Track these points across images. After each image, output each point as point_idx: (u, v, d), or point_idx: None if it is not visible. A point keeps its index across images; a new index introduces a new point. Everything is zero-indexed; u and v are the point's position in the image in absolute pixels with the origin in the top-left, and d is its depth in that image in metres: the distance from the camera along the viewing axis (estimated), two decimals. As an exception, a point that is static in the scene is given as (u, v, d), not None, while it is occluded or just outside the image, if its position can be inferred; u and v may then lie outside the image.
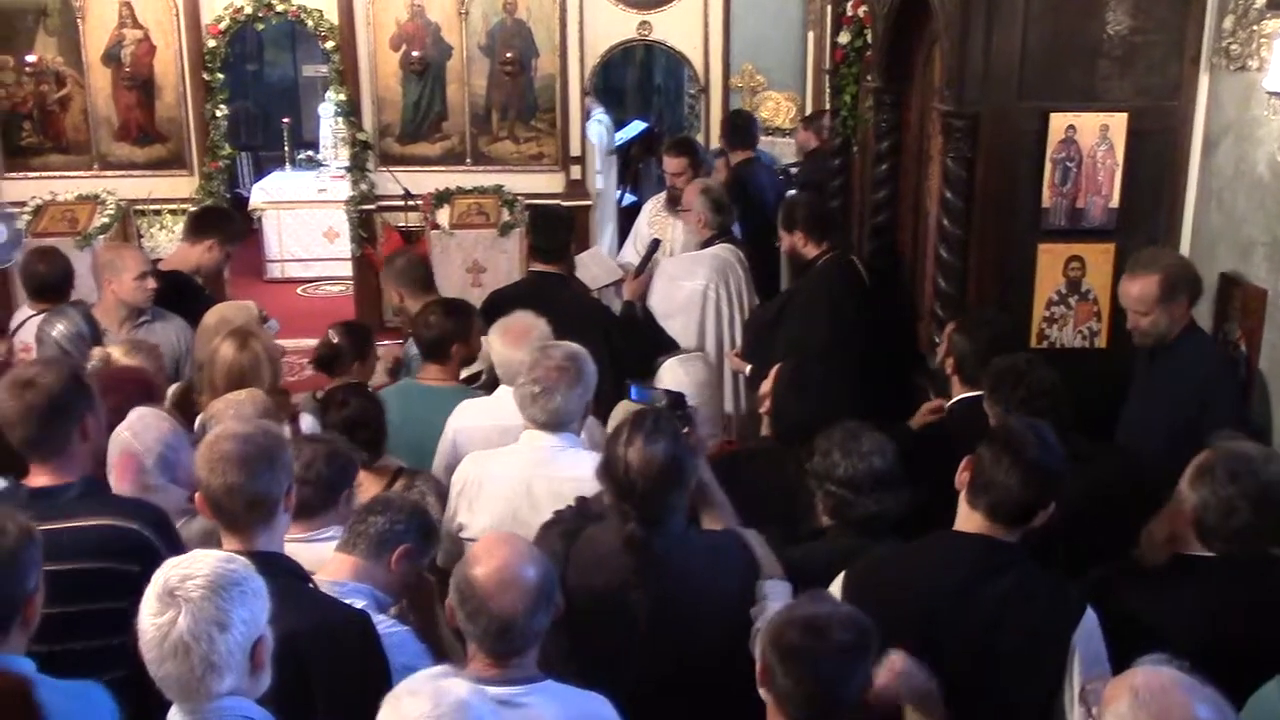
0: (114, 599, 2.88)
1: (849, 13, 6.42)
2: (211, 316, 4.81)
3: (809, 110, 10.18)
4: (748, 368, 5.73)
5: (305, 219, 11.42)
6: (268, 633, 2.37)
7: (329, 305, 10.31)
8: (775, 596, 3.06)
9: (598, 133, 10.39)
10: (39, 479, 3.15)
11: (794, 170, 9.23)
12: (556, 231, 5.70)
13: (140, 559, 2.94)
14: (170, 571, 2.32)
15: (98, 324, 4.85)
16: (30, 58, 8.97)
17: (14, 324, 5.45)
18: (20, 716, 2.15)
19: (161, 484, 3.47)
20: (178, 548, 3.00)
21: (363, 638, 2.82)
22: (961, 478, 3.02)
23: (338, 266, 10.78)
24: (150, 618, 2.27)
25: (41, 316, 5.24)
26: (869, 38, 6.24)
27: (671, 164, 7.22)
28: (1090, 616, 2.86)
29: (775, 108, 11.25)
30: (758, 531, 3.30)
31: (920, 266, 5.79)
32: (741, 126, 8.23)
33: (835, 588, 3.02)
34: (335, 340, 4.60)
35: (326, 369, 4.61)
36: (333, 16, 9.11)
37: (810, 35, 10.77)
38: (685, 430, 3.27)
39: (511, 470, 3.74)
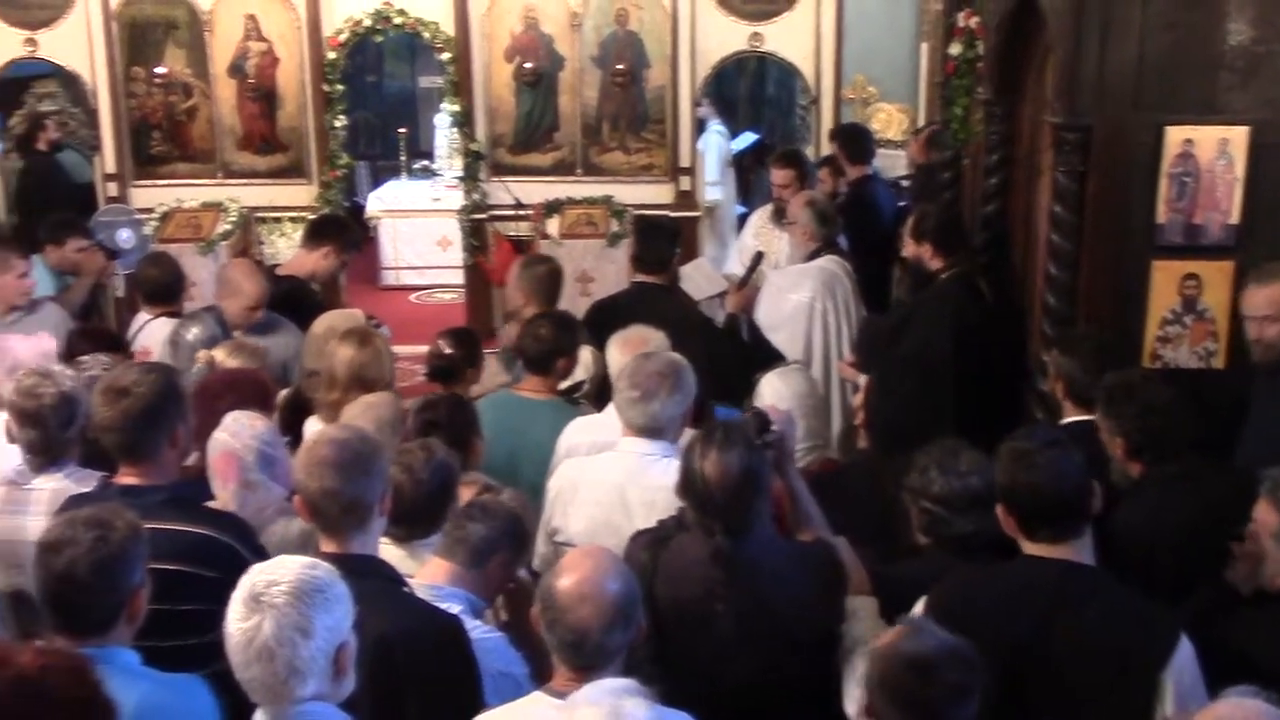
0: (190, 601, 2.99)
1: (960, 24, 6.33)
2: (320, 325, 4.93)
3: (921, 123, 10.03)
4: (862, 378, 5.67)
5: (419, 227, 11.62)
6: (351, 639, 2.42)
7: (441, 312, 10.47)
8: (862, 615, 3.03)
9: (716, 145, 10.38)
10: (127, 479, 3.27)
11: (905, 183, 9.11)
12: (660, 242, 5.71)
13: (219, 565, 3.04)
14: (256, 577, 2.38)
15: (229, 328, 5.00)
16: (160, 70, 9.31)
17: (132, 329, 5.65)
18: (77, 693, 2.21)
19: (262, 480, 3.56)
20: (261, 555, 3.05)
21: (454, 643, 2.86)
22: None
23: (450, 274, 10.95)
24: (236, 622, 2.34)
25: (157, 321, 5.44)
26: (980, 49, 6.14)
27: (778, 176, 7.19)
28: (1185, 648, 2.77)
29: (887, 120, 11.10)
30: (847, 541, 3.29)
31: (1030, 283, 5.67)
32: (859, 139, 8.13)
33: (917, 610, 2.98)
34: (448, 351, 4.64)
35: (443, 380, 4.63)
36: (449, 28, 9.27)
37: (924, 46, 10.62)
38: (769, 447, 3.27)
39: (607, 476, 3.77)
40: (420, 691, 2.81)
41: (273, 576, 2.37)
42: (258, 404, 3.78)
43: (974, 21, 6.13)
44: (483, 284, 9.52)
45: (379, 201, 11.87)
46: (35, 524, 3.46)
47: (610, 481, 3.74)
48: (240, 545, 3.16)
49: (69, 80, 9.65)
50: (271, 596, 2.33)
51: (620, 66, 9.35)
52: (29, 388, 3.57)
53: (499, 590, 3.30)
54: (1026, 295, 5.75)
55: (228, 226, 9.09)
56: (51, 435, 3.58)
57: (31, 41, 9.20)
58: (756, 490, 3.09)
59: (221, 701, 2.68)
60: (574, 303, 7.53)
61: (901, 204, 8.00)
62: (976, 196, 6.30)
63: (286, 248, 9.05)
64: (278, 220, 9.46)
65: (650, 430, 3.73)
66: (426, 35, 9.39)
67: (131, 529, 2.72)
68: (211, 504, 3.51)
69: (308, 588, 2.35)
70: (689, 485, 3.09)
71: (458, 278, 10.37)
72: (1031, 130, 5.66)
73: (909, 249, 5.77)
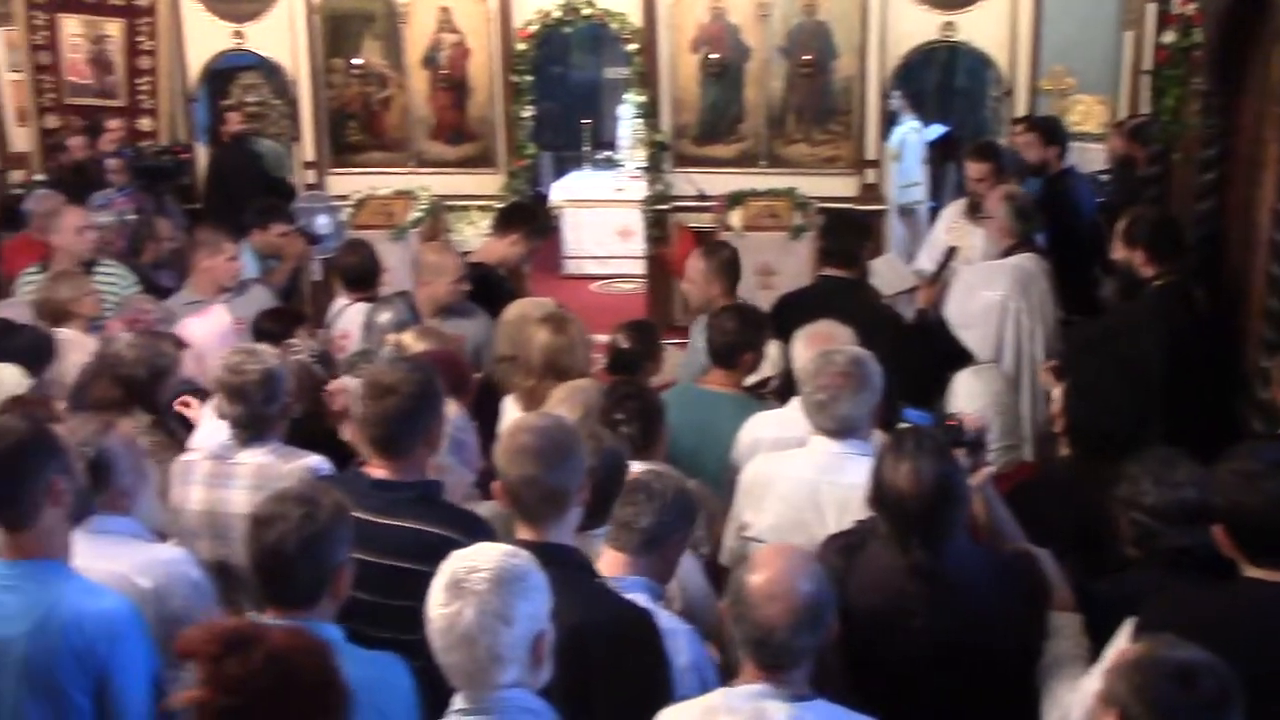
0: (422, 600, 2.99)
1: (1175, 10, 6.01)
2: (512, 311, 4.99)
3: (1121, 115, 9.59)
4: (1058, 388, 5.45)
5: (602, 217, 11.73)
6: (549, 627, 2.43)
7: (621, 302, 10.53)
8: (1066, 632, 2.89)
9: (915, 144, 10.13)
10: (379, 472, 3.31)
11: (1104, 178, 8.73)
12: (850, 235, 5.60)
13: None
14: (458, 563, 2.41)
15: (420, 314, 5.11)
16: (357, 61, 9.59)
17: (331, 313, 5.83)
18: (319, 674, 2.27)
19: (452, 464, 3.61)
20: None
21: (645, 636, 2.84)
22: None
23: (630, 264, 11.00)
24: (438, 607, 2.37)
25: (355, 305, 5.59)
26: (1197, 37, 5.82)
27: (974, 169, 6.96)
28: None
29: (1085, 112, 10.66)
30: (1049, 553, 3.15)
31: (1247, 284, 5.35)
32: (1055, 128, 7.80)
33: (1126, 629, 2.82)
34: (626, 345, 4.64)
35: (622, 373, 4.61)
36: (636, 20, 9.29)
37: (1127, 35, 10.15)
38: (968, 454, 3.16)
39: (798, 473, 3.70)
40: (610, 683, 2.79)
41: (474, 563, 2.39)
42: (454, 386, 3.83)
43: (1191, 8, 5.81)
44: (663, 275, 9.52)
45: (562, 191, 12.02)
46: (239, 497, 3.60)
47: (802, 479, 3.67)
48: None
49: (271, 71, 10.02)
50: (473, 583, 2.35)
51: (807, 57, 9.22)
52: (236, 364, 3.69)
53: (675, 566, 3.26)
54: (1243, 297, 5.43)
55: (418, 214, 9.30)
56: (255, 411, 3.68)
57: (239, 34, 9.61)
58: (952, 500, 2.98)
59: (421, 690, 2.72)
60: (754, 296, 7.44)
61: (1099, 200, 7.66)
62: (1187, 192, 5.99)
63: (474, 235, 9.22)
64: (465, 208, 9.64)
65: (840, 432, 3.65)
66: (614, 26, 9.44)
67: (337, 508, 2.78)
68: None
69: (509, 575, 2.37)
70: (881, 497, 3.00)
71: (638, 268, 10.40)
72: (1255, 122, 5.33)
73: (1119, 252, 5.50)
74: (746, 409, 4.42)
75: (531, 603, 2.38)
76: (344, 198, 9.39)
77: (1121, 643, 2.76)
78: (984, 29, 9.09)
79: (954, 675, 2.92)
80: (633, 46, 9.43)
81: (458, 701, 2.41)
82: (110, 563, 3.16)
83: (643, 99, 9.54)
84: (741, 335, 4.56)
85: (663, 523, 3.14)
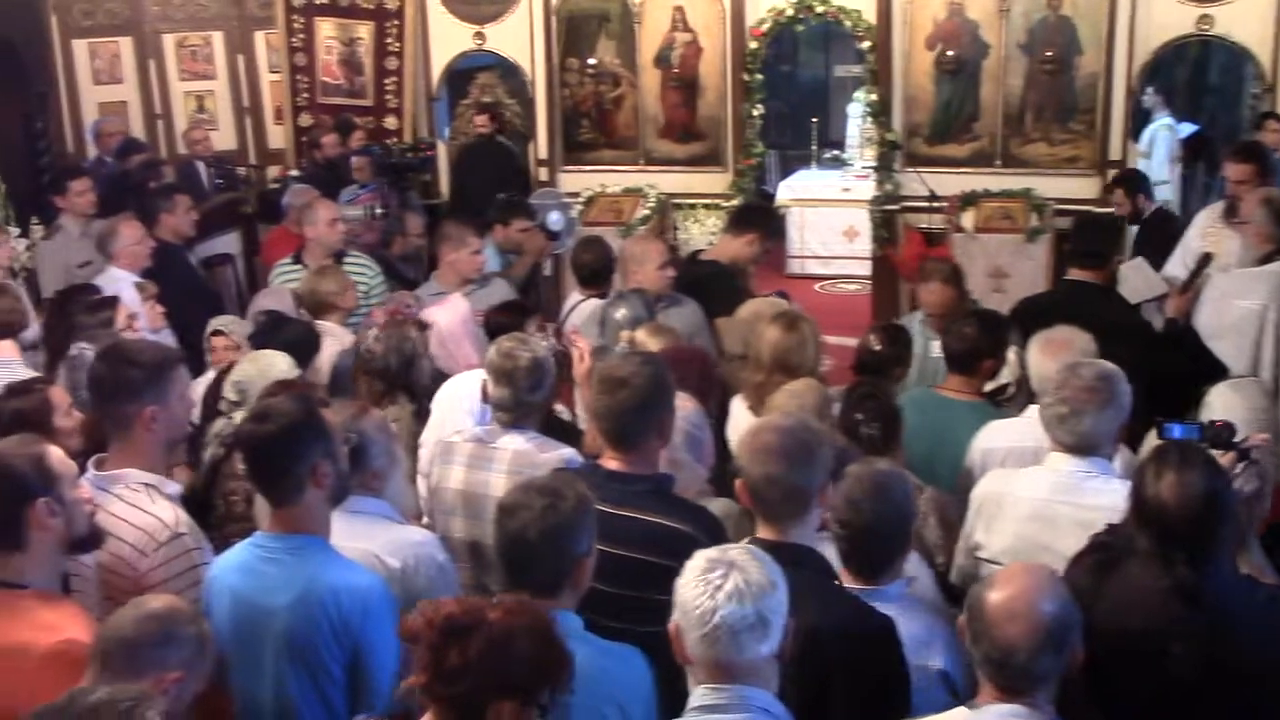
0: (652, 590, 3.01)
1: None
2: (746, 310, 5.02)
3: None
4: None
5: (827, 217, 11.63)
6: (789, 628, 2.42)
7: (845, 303, 10.42)
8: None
9: (1165, 139, 9.68)
10: (613, 464, 3.37)
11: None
12: (1101, 237, 5.38)
13: (685, 558, 3.06)
14: (709, 558, 2.42)
15: (654, 309, 5.17)
16: (592, 60, 9.77)
17: (565, 309, 5.96)
18: (541, 648, 2.33)
19: (687, 461, 3.63)
20: None
21: (886, 643, 2.80)
22: None
23: (855, 265, 10.87)
24: (699, 598, 2.38)
25: (589, 301, 5.69)
26: None
27: (1235, 170, 6.55)
28: None
29: (1355, 111, 9.95)
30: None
31: None
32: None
33: None
34: (877, 346, 4.58)
35: (865, 372, 4.58)
36: (870, 17, 9.16)
37: None
38: (1235, 460, 2.98)
39: (1035, 492, 3.55)
40: (847, 688, 2.76)
41: (734, 559, 2.41)
42: (700, 383, 3.87)
43: None
44: (890, 276, 9.34)
45: (789, 190, 11.97)
46: (497, 480, 3.70)
47: (1038, 498, 3.52)
48: (708, 540, 3.18)
49: (509, 71, 10.32)
50: (735, 580, 2.36)
51: (1049, 53, 8.89)
52: (508, 350, 3.80)
53: None
54: None
55: (646, 212, 9.42)
56: (519, 396, 3.77)
57: (480, 35, 9.92)
58: (1221, 516, 2.81)
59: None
60: (987, 299, 7.26)
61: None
62: None
63: (700, 234, 9.30)
64: (692, 207, 9.70)
65: (1080, 448, 3.49)
66: (847, 24, 9.33)
67: (580, 500, 2.83)
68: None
69: (771, 577, 2.39)
70: (1143, 511, 2.84)
71: (863, 269, 10.26)
72: None
73: None
74: (984, 416, 4.31)
75: (784, 605, 2.40)
76: (575, 195, 9.59)
77: None
78: (1244, 22, 8.56)
79: (1214, 709, 2.75)
80: (866, 44, 9.31)
81: (699, 697, 2.42)
82: (362, 542, 3.31)
83: (874, 97, 9.40)
84: (982, 341, 4.44)
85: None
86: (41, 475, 2.91)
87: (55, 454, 3.01)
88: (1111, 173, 8.86)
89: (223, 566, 3.15)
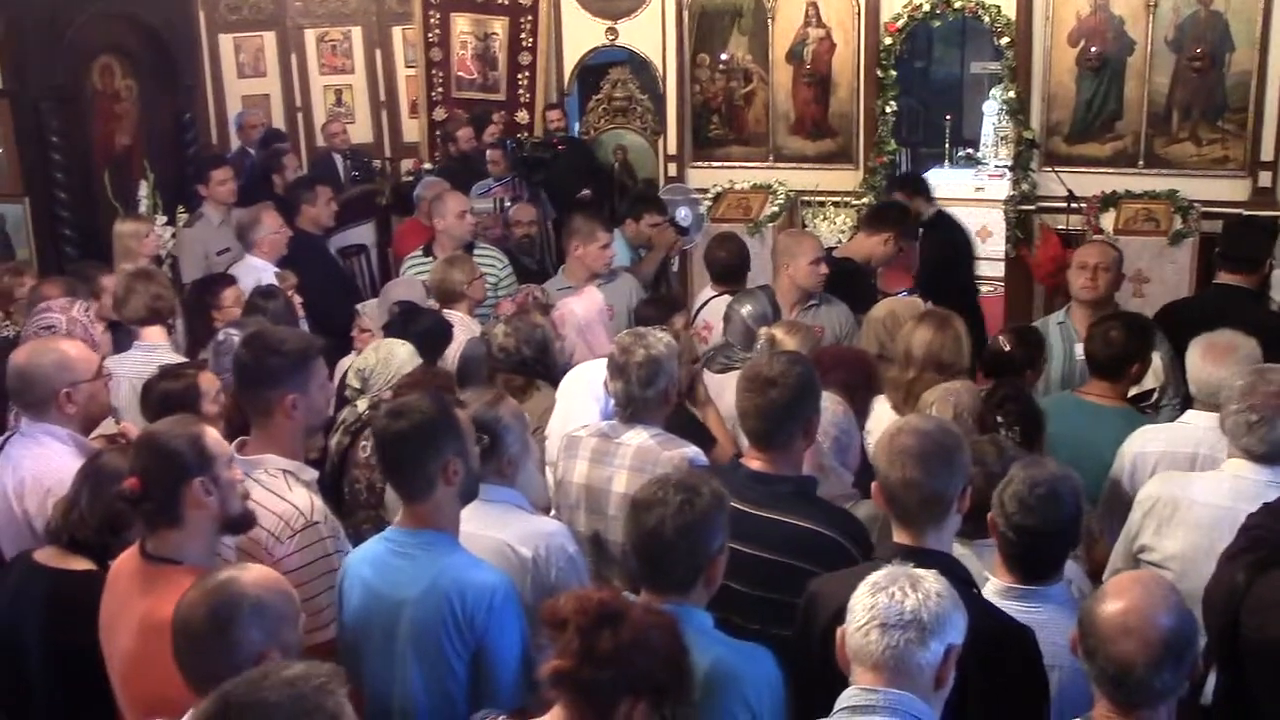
0: (793, 594, 3.03)
1: None
2: (881, 309, 4.96)
3: None
4: None
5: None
6: (954, 652, 2.39)
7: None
8: None
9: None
10: (756, 464, 3.35)
11: None
12: (1255, 241, 5.18)
13: (827, 563, 3.06)
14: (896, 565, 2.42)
15: (779, 305, 5.13)
16: (724, 56, 9.74)
17: (696, 304, 5.94)
18: (672, 653, 2.35)
19: (834, 466, 3.59)
20: (870, 555, 3.07)
21: (1025, 653, 2.72)
22: None
23: (987, 266, 10.62)
24: (876, 594, 2.37)
25: (721, 298, 5.67)
26: None
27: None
28: None
29: None
30: None
31: None
32: None
33: None
34: (1007, 348, 4.49)
35: (994, 374, 4.50)
36: (1010, 12, 8.94)
37: None
38: None
39: (1213, 499, 3.45)
40: (986, 697, 2.69)
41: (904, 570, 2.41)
42: (863, 384, 3.84)
43: None
44: (1024, 278, 9.14)
45: (920, 189, 11.74)
46: (619, 476, 3.72)
47: (1218, 505, 3.42)
48: (851, 545, 3.18)
49: (640, 67, 10.33)
50: (899, 587, 2.36)
51: (1199, 50, 8.57)
52: (625, 344, 3.82)
53: None
54: None
55: (775, 209, 9.34)
56: (632, 391, 3.78)
57: (613, 31, 9.97)
58: None
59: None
60: (1127, 303, 7.04)
61: None
62: None
63: (829, 232, 9.19)
64: (821, 204, 9.61)
65: (1268, 456, 3.37)
66: (986, 19, 9.13)
67: (715, 497, 2.80)
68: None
69: (937, 588, 2.37)
70: None
71: (995, 270, 10.03)
72: None
73: None
74: (1130, 422, 4.19)
75: (955, 625, 2.37)
76: (703, 191, 9.56)
77: None
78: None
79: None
80: (1005, 40, 9.10)
81: (848, 697, 2.38)
82: (494, 530, 3.34)
83: (1012, 94, 9.17)
84: (1129, 346, 4.31)
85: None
86: (198, 455, 2.98)
87: (212, 435, 3.08)
88: (1264, 175, 8.53)
89: (358, 558, 3.20)
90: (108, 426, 4.17)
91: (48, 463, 3.73)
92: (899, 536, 2.87)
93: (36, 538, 3.53)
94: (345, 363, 5.14)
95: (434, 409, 3.09)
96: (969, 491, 2.90)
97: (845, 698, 2.38)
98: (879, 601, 2.34)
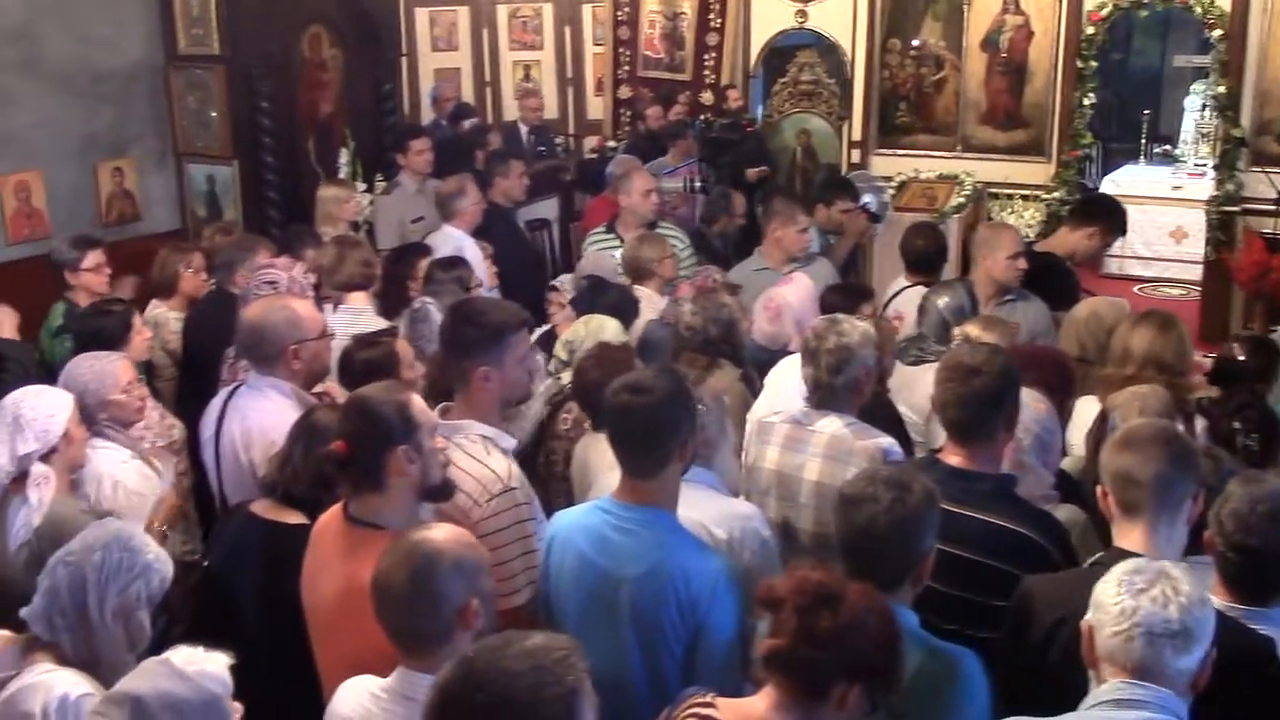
0: (991, 595, 2.97)
1: None
2: (1083, 308, 4.81)
3: None
4: None
5: (1153, 216, 10.94)
6: (1211, 658, 2.34)
7: (1167, 308, 9.78)
8: None
9: None
10: (954, 459, 3.26)
11: None
12: None
13: (1026, 564, 2.99)
14: (1136, 563, 2.37)
15: (978, 299, 5.02)
16: (915, 42, 9.56)
17: (889, 293, 5.85)
18: (887, 639, 2.34)
19: (1034, 464, 3.49)
20: (1072, 559, 3.01)
21: (1268, 663, 2.62)
22: None
23: (1181, 269, 10.22)
24: (1136, 595, 2.32)
25: (915, 288, 5.57)
26: None
27: None
28: None
29: None
30: None
31: None
32: None
33: None
34: (1240, 356, 4.30)
35: (1223, 383, 4.30)
36: (1225, 3, 8.56)
37: None
38: None
39: None
40: (1227, 709, 2.56)
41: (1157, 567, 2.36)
42: (1057, 383, 3.74)
43: None
44: (1223, 283, 8.75)
45: (1113, 185, 11.32)
46: (811, 464, 3.67)
47: None
48: (1053, 548, 3.10)
49: (828, 51, 10.21)
50: (1154, 587, 2.31)
51: None
52: (818, 330, 3.77)
53: None
54: None
55: (960, 200, 9.16)
56: (820, 378, 3.72)
57: (802, 14, 9.89)
58: None
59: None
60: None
61: None
62: None
63: (1018, 226, 8.93)
64: (1009, 197, 9.37)
65: None
66: (1197, 10, 8.75)
67: (927, 494, 2.75)
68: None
69: (1193, 590, 2.32)
70: None
71: (1189, 273, 9.64)
72: None
73: None
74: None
75: (1211, 629, 2.33)
76: (888, 178, 9.41)
77: None
78: None
79: None
80: (1216, 32, 8.71)
81: (1111, 690, 2.33)
82: (691, 510, 3.31)
83: (1221, 89, 8.78)
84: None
85: None
86: (404, 422, 3.02)
87: (417, 403, 3.12)
88: None
89: (568, 526, 3.17)
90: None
91: (273, 416, 3.86)
92: (1123, 541, 2.77)
93: (259, 486, 3.67)
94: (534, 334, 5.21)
95: (676, 386, 3.06)
96: (1200, 498, 2.79)
97: (1106, 691, 2.33)
98: (1141, 605, 2.28)
